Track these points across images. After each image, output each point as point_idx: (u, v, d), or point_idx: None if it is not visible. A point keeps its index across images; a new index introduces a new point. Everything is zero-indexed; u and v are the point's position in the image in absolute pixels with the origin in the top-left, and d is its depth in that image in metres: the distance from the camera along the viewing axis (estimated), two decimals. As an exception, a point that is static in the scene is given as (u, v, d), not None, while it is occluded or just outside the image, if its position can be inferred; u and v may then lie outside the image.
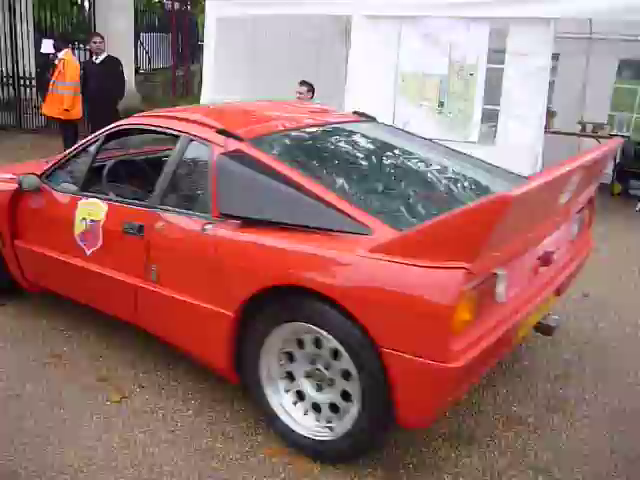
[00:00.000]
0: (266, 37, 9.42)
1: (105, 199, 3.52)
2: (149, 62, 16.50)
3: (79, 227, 3.56)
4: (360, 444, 2.68)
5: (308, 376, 2.79)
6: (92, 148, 3.77)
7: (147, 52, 16.34)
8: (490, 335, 2.51)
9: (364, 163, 3.34)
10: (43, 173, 3.91)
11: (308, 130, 3.49)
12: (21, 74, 11.56)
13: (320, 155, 3.27)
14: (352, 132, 3.69)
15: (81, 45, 12.64)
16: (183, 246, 3.05)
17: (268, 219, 2.78)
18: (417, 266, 2.33)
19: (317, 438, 2.76)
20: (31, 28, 11.47)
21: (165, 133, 3.45)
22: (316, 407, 2.80)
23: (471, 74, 7.33)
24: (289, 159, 2.99)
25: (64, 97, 8.97)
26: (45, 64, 11.81)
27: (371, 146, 3.68)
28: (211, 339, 2.96)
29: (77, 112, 9.13)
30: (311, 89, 8.02)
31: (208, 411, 3.19)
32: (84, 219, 3.54)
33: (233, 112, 3.91)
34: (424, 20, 7.45)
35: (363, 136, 3.69)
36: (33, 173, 3.90)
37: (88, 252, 3.55)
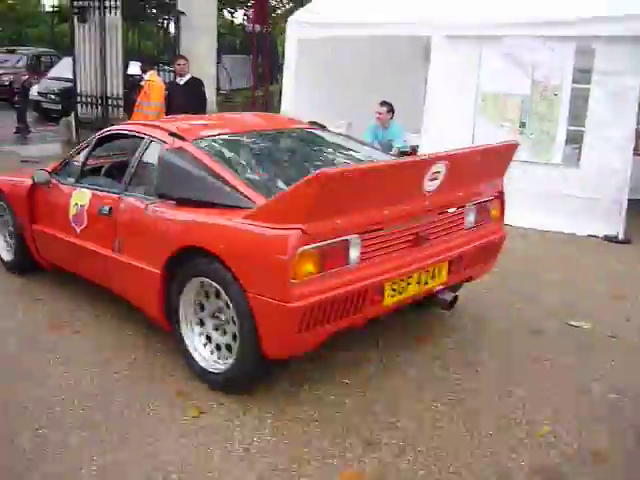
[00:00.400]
0: (346, 58, 9.51)
1: (90, 189, 4.43)
2: (230, 82, 16.94)
3: (72, 211, 4.50)
4: (246, 373, 3.39)
5: (214, 322, 3.58)
6: (87, 149, 4.78)
7: (228, 73, 16.79)
8: (338, 289, 3.10)
9: (274, 157, 4.11)
10: (53, 170, 4.90)
11: (245, 134, 4.32)
12: (109, 94, 12.03)
13: (242, 152, 4.02)
14: (282, 135, 4.52)
15: (165, 67, 13.07)
16: (134, 222, 3.95)
17: (188, 198, 3.61)
18: (268, 228, 3.06)
19: (217, 371, 3.50)
20: (120, 51, 11.94)
21: (135, 136, 4.37)
22: (219, 347, 3.57)
23: (555, 94, 7.15)
24: (215, 154, 3.78)
25: (148, 117, 9.30)
26: (132, 85, 12.30)
27: (288, 145, 4.44)
28: (149, 293, 3.80)
29: None
30: (391, 109, 8.02)
31: (284, 432, 3.17)
32: (76, 204, 4.46)
33: (193, 121, 4.79)
34: (505, 40, 7.34)
35: (289, 138, 4.53)
36: (44, 169, 4.83)
37: (78, 230, 4.46)
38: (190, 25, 13.57)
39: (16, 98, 14.77)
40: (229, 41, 17.38)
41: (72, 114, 12.98)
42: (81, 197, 4.44)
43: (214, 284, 3.38)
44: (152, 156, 4.05)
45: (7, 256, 5.49)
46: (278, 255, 2.97)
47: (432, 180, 3.39)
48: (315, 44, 8.71)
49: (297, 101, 8.89)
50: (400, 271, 3.42)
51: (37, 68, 20.62)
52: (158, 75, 10.20)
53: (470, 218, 4.00)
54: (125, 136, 4.59)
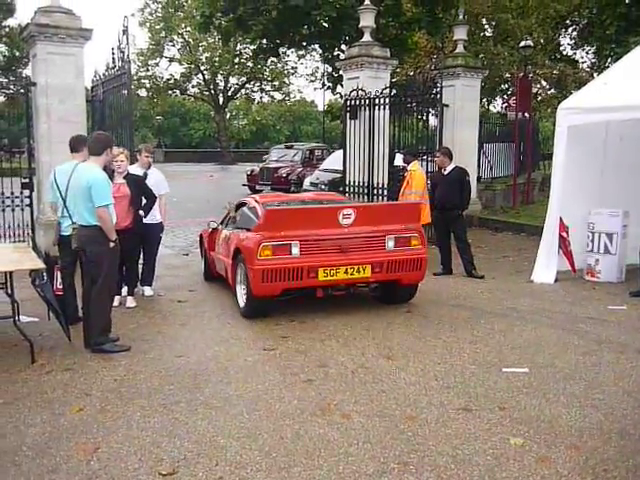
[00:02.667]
0: (617, 142, 8.95)
1: (226, 229, 8.01)
2: (491, 170, 16.85)
3: (221, 240, 8.03)
4: (249, 307, 6.87)
5: (242, 283, 7.04)
6: (232, 211, 8.24)
7: (489, 161, 16.73)
8: (283, 265, 6.30)
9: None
10: (221, 222, 8.67)
11: (296, 200, 8.41)
12: (375, 184, 12.69)
13: (289, 204, 7.82)
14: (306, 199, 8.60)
15: (424, 157, 13.47)
16: (235, 243, 7.05)
17: (247, 228, 7.19)
18: (254, 235, 6.52)
19: (243, 306, 7.03)
20: (387, 144, 12.62)
21: (244, 203, 8.07)
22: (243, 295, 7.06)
23: None
24: (270, 207, 6.99)
25: None
26: (395, 175, 12.83)
27: (309, 204, 7.91)
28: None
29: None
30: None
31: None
32: (223, 238, 7.93)
33: (272, 197, 9.23)
34: None
35: (313, 201, 8.25)
36: (216, 222, 8.75)
37: (220, 249, 8.03)
38: (453, 116, 13.93)
39: (292, 189, 16.23)
40: (488, 129, 17.35)
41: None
42: (224, 233, 7.94)
43: (241, 263, 6.81)
44: (245, 210, 7.85)
45: (203, 268, 9.26)
46: (255, 246, 6.38)
47: (345, 218, 6.57)
48: (585, 129, 8.34)
49: (565, 188, 8.50)
50: (329, 263, 6.48)
51: (310, 161, 22.61)
52: (420, 165, 10.54)
53: (390, 243, 6.81)
54: (244, 203, 8.09)
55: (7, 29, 47.84)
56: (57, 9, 9.93)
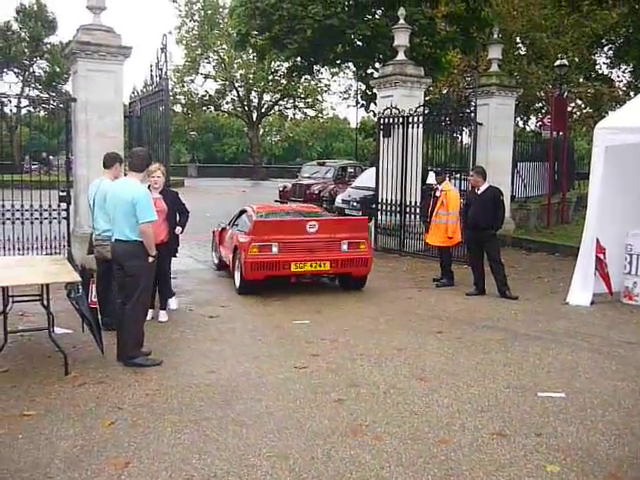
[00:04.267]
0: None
1: (233, 230, 9.84)
2: (525, 190, 16.67)
3: (228, 239, 9.97)
4: (242, 287, 9.06)
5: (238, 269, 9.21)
6: (235, 216, 10.36)
7: (523, 180, 16.57)
8: (265, 259, 8.54)
9: (280, 216, 10.14)
10: (228, 223, 10.51)
11: (284, 211, 11.34)
12: (407, 202, 12.64)
13: (276, 216, 10.09)
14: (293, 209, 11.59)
15: (457, 175, 13.41)
16: (235, 241, 9.27)
17: (243, 230, 9.59)
18: (247, 237, 8.75)
19: (237, 286, 9.24)
20: (420, 162, 12.59)
21: (245, 211, 10.04)
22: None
23: None
24: (259, 216, 9.39)
25: (447, 226, 9.50)
26: (427, 194, 12.76)
27: (295, 215, 10.30)
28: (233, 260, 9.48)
29: (457, 238, 9.59)
30: None
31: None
32: (228, 236, 9.97)
33: (265, 208, 10.96)
34: None
35: (298, 211, 10.97)
36: (224, 223, 10.79)
37: (226, 245, 10.06)
38: (486, 135, 13.83)
39: (324, 206, 16.25)
40: (522, 148, 17.20)
41: (372, 220, 13.86)
42: (230, 233, 9.85)
43: (238, 256, 8.93)
44: (244, 217, 9.85)
45: (215, 261, 11.11)
46: (247, 246, 8.55)
47: (311, 228, 8.71)
48: (623, 149, 8.20)
49: (602, 208, 8.35)
50: (299, 259, 8.59)
51: (342, 178, 22.63)
52: (452, 184, 10.49)
53: (344, 247, 8.85)
54: (245, 211, 10.09)
55: (49, 46, 49.11)
56: (98, 27, 10.14)
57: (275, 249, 8.56)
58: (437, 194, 9.84)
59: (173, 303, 7.98)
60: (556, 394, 5.15)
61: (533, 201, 16.78)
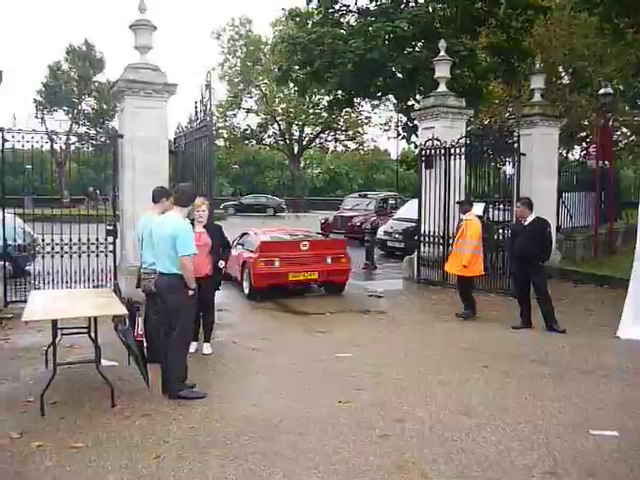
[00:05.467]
0: None
1: (238, 249, 11.99)
2: (570, 220, 16.39)
3: (233, 257, 10.68)
4: (251, 294, 11.33)
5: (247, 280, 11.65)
6: (237, 239, 12.65)
7: (568, 210, 16.30)
8: (270, 270, 10.96)
9: (282, 239, 12.47)
10: (233, 241, 11.57)
11: (285, 234, 13.01)
12: (450, 234, 12.53)
13: (276, 237, 12.48)
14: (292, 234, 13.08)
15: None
16: (243, 258, 11.64)
17: (248, 249, 12.02)
18: (255, 254, 11.20)
19: (246, 292, 11.60)
20: (462, 193, 12.51)
21: (247, 233, 12.72)
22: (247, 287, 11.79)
23: None
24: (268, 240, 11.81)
25: (463, 255, 9.39)
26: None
27: (292, 238, 12.56)
28: (240, 275, 11.86)
29: (476, 270, 9.47)
30: None
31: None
32: (233, 254, 10.77)
33: (265, 230, 13.42)
34: None
35: (295, 235, 12.95)
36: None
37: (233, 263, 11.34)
38: (530, 165, 13.69)
39: (365, 237, 16.22)
40: (567, 178, 16.95)
41: (414, 252, 13.78)
42: (233, 252, 10.45)
43: (246, 269, 11.30)
44: (248, 238, 12.18)
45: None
46: (255, 261, 10.95)
47: (303, 246, 11.36)
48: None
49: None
50: (294, 270, 11.09)
51: (384, 210, 22.61)
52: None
53: (328, 260, 11.43)
54: (247, 233, 12.54)
55: (96, 84, 50.75)
56: (144, 66, 10.44)
57: (277, 263, 11.01)
58: (461, 223, 9.78)
59: (207, 348, 7.55)
60: (609, 432, 4.98)
61: (579, 232, 16.47)
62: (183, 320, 5.91)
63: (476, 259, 9.53)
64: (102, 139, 12.33)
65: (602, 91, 19.06)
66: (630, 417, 5.34)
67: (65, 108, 50.74)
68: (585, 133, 29.78)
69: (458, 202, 10.77)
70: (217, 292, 7.98)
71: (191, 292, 5.90)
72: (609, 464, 4.40)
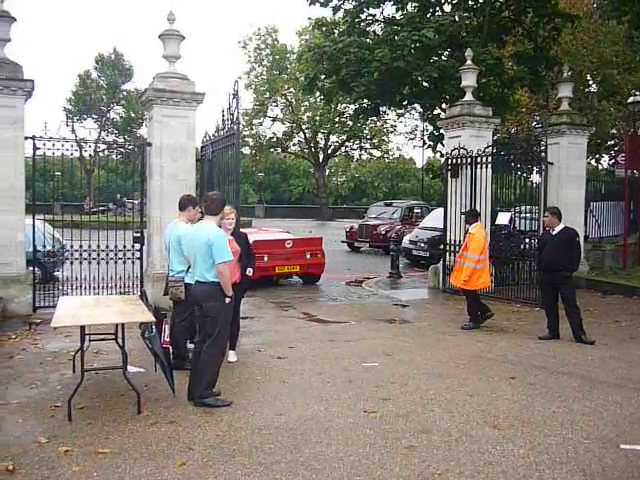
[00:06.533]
0: None
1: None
2: (599, 230, 16.18)
3: None
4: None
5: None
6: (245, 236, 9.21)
7: (597, 220, 16.09)
8: (261, 265, 12.04)
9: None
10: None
11: (272, 234, 15.64)
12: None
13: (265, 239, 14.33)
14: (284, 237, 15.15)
15: (525, 215, 13.17)
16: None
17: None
18: None
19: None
20: (489, 202, 12.43)
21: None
22: None
23: None
24: (260, 239, 13.10)
25: (464, 268, 9.27)
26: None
27: (276, 237, 15.22)
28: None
29: (479, 284, 9.36)
30: None
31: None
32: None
33: (255, 231, 16.28)
34: None
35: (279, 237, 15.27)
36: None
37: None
38: (558, 174, 13.57)
39: (391, 246, 16.18)
40: (595, 187, 16.75)
41: (440, 261, 13.69)
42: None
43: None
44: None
45: None
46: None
47: (287, 244, 13.94)
48: None
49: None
50: (280, 264, 13.69)
51: (409, 219, 22.54)
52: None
53: (307, 255, 14.10)
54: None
55: (125, 92, 51.45)
56: (173, 75, 10.56)
57: (266, 258, 13.11)
58: (468, 235, 9.64)
59: (232, 355, 7.54)
60: (640, 447, 4.89)
61: (608, 241, 16.26)
62: (221, 327, 5.93)
63: (479, 274, 9.33)
64: (130, 147, 12.45)
65: (631, 99, 18.84)
66: (662, 432, 5.24)
67: (94, 116, 51.51)
68: (613, 142, 29.42)
69: (463, 213, 10.61)
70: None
71: (228, 299, 5.93)
72: (640, 480, 4.32)
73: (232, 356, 7.51)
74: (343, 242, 23.74)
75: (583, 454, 4.75)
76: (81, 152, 11.38)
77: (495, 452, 4.78)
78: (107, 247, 10.66)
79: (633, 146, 16.96)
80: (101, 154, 15.19)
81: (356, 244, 23.09)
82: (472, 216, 9.83)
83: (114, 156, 14.78)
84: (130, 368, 6.51)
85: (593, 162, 31.40)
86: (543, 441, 5.01)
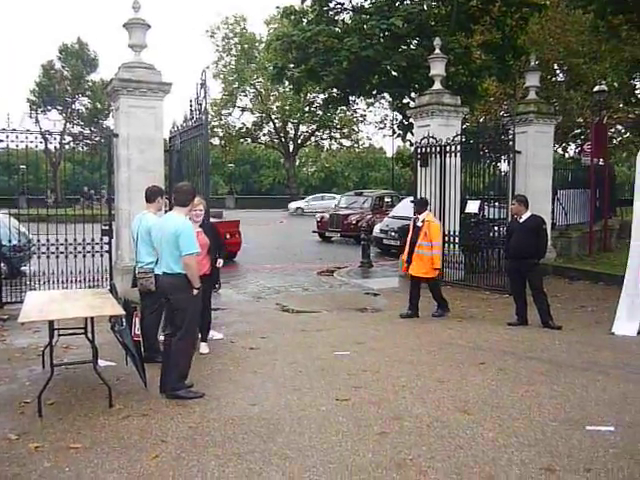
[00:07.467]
0: None
1: None
2: (565, 217, 16.44)
3: None
4: None
5: None
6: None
7: (563, 207, 16.34)
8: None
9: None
10: None
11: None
12: (445, 231, 12.56)
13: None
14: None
15: (496, 203, 13.34)
16: None
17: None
18: None
19: None
20: (458, 191, 12.55)
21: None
22: None
23: None
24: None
25: (433, 257, 9.35)
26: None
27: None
28: None
29: (439, 269, 9.51)
30: None
31: None
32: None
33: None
34: None
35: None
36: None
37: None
38: (525, 162, 13.73)
39: (362, 235, 16.24)
40: (562, 175, 17.00)
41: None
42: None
43: None
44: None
45: None
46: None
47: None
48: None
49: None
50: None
51: (380, 208, 22.64)
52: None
53: (227, 236, 15.34)
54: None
55: (90, 83, 50.62)
56: (139, 64, 10.43)
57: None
58: (418, 224, 9.68)
59: (203, 347, 7.57)
60: (605, 428, 5.01)
61: (574, 229, 16.53)
62: (189, 320, 5.90)
63: (436, 259, 9.44)
64: (97, 138, 12.29)
65: (597, 88, 19.13)
66: (626, 413, 5.36)
67: (59, 107, 50.60)
68: (580, 130, 29.85)
69: (412, 201, 10.69)
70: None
71: (196, 291, 5.90)
72: (605, 459, 4.42)
73: (204, 348, 7.50)
74: (314, 232, 23.76)
75: (550, 436, 4.85)
76: (46, 144, 11.17)
77: (465, 436, 4.86)
78: (75, 240, 10.52)
79: (599, 135, 17.25)
80: (67, 146, 14.95)
81: (327, 234, 23.13)
82: (422, 205, 9.92)
83: (80, 148, 14.58)
84: (101, 362, 6.46)
85: (560, 150, 31.84)
86: (512, 424, 5.10)
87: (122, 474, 4.27)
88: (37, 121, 48.38)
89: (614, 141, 31.07)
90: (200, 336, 7.58)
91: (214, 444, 4.76)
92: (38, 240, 10.51)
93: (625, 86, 27.46)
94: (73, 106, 51.26)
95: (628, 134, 31.85)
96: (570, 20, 23.72)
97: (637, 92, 29.67)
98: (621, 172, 34.93)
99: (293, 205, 45.44)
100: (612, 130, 29.06)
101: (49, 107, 50.29)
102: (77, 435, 4.94)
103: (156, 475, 4.25)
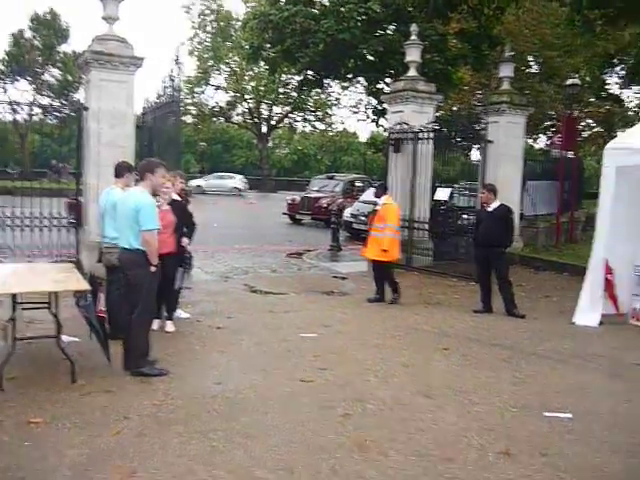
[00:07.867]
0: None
1: None
2: (534, 208, 16.64)
3: None
4: None
5: None
6: None
7: (532, 198, 16.54)
8: None
9: None
10: None
11: None
12: (416, 218, 12.65)
13: None
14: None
15: (466, 191, 13.47)
16: None
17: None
18: None
19: None
20: (429, 178, 12.62)
21: None
22: None
23: None
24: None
25: (385, 239, 9.40)
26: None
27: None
28: None
29: (395, 254, 9.49)
30: None
31: None
32: None
33: None
34: None
35: None
36: None
37: None
38: (496, 152, 13.84)
39: (332, 219, 16.26)
40: (531, 166, 17.18)
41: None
42: None
43: None
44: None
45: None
46: None
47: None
48: (633, 170, 8.19)
49: (611, 229, 8.34)
50: None
51: (351, 192, 22.67)
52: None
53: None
54: None
55: (61, 54, 49.53)
56: (111, 37, 10.23)
57: None
58: (377, 208, 9.78)
59: (170, 325, 7.52)
60: (563, 414, 5.13)
61: (542, 219, 16.75)
62: (145, 297, 5.86)
63: (395, 243, 9.54)
64: (66, 111, 12.06)
65: (569, 82, 19.33)
66: (583, 400, 5.50)
67: (28, 78, 49.44)
68: (551, 122, 30.22)
69: (373, 186, 10.76)
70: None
71: (153, 268, 5.85)
72: (561, 444, 4.54)
73: (170, 326, 7.47)
74: (284, 214, 23.71)
75: (509, 421, 4.95)
76: (14, 115, 10.92)
77: (427, 419, 4.94)
78: (41, 214, 10.34)
79: (569, 128, 17.45)
80: (36, 118, 14.67)
81: (297, 216, 23.10)
82: (382, 189, 10.01)
83: (49, 120, 14.28)
84: (64, 337, 6.37)
85: (530, 141, 32.22)
86: (472, 409, 5.19)
87: (82, 449, 4.25)
88: (5, 91, 47.29)
89: (584, 134, 31.51)
90: (166, 314, 7.55)
91: (177, 422, 4.75)
92: (3, 212, 10.31)
93: (597, 81, 27.86)
94: (43, 77, 50.09)
95: (598, 128, 32.32)
96: (546, 12, 23.91)
97: (608, 87, 30.13)
98: (589, 165, 35.43)
99: (193, 183, 43.14)
100: (582, 124, 29.47)
101: (18, 77, 49.06)
102: (38, 410, 4.89)
103: (117, 451, 4.24)
